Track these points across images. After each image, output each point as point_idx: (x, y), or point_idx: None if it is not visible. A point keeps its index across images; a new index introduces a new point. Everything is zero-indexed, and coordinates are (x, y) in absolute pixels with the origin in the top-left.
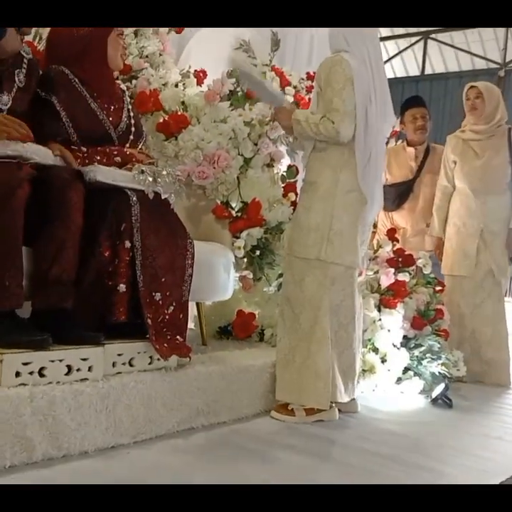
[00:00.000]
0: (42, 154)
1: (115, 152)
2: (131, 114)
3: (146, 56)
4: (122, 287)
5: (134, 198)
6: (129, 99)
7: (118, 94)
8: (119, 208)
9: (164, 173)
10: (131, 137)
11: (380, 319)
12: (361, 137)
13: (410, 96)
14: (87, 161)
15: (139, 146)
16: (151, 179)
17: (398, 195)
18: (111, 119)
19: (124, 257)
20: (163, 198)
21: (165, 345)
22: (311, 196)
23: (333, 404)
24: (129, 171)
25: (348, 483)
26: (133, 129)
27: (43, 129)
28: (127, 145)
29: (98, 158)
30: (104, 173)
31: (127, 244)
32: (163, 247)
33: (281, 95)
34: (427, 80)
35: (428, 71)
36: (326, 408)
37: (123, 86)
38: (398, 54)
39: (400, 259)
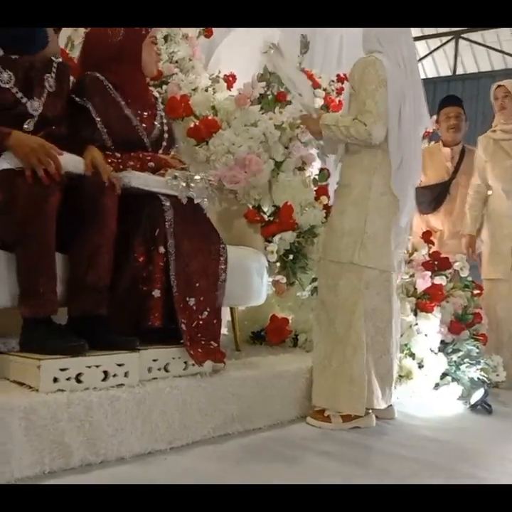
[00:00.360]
0: (75, 164)
1: (149, 157)
2: (164, 120)
3: (176, 61)
4: (157, 292)
5: (168, 204)
6: (162, 106)
7: (151, 101)
8: (153, 213)
9: (197, 178)
10: (164, 143)
11: (416, 324)
12: (395, 139)
13: (445, 96)
14: (121, 167)
15: (172, 152)
16: (184, 184)
17: (435, 197)
18: (144, 125)
19: (158, 262)
20: (196, 203)
21: (199, 350)
22: (344, 200)
23: (370, 411)
24: (162, 177)
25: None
26: (166, 135)
27: (79, 135)
28: (160, 151)
29: (132, 163)
30: (137, 179)
31: (161, 249)
32: (197, 252)
33: (309, 106)
34: (459, 80)
35: (460, 71)
36: (360, 414)
37: (156, 93)
38: (429, 54)
39: (436, 263)
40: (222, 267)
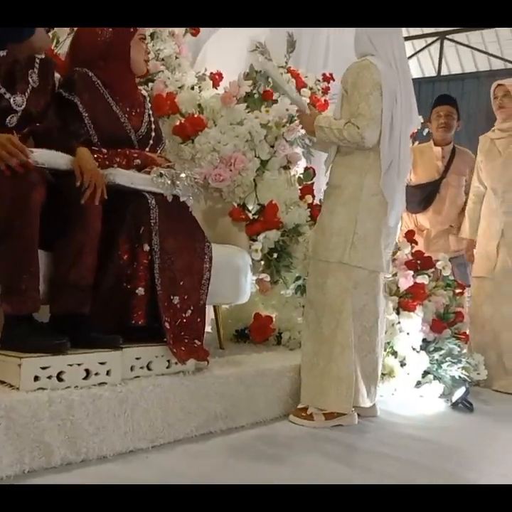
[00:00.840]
0: (55, 160)
1: (135, 155)
2: (152, 119)
3: (162, 59)
4: (141, 290)
5: (153, 201)
6: (150, 105)
7: (139, 100)
8: (138, 211)
9: (182, 176)
10: (151, 142)
11: (399, 322)
12: (386, 141)
13: (430, 96)
14: (107, 163)
15: (159, 151)
16: (169, 182)
17: (425, 197)
18: (132, 123)
19: (142, 260)
20: (181, 200)
21: (182, 348)
22: (334, 200)
23: (353, 409)
24: (148, 174)
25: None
26: (153, 133)
27: (68, 129)
28: (147, 149)
29: (118, 159)
30: (122, 177)
31: (146, 247)
32: (182, 250)
33: (302, 102)
34: (444, 80)
35: (444, 72)
36: (348, 412)
37: (144, 92)
38: (414, 55)
39: (419, 262)
40: (207, 265)
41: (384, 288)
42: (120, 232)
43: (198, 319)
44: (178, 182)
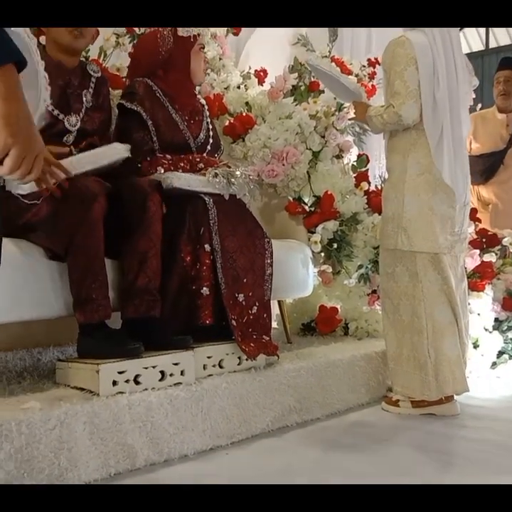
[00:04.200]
0: (95, 159)
1: (198, 159)
2: (210, 126)
3: (207, 61)
4: (206, 290)
5: (211, 202)
6: (208, 113)
7: (198, 108)
8: (197, 212)
9: (237, 173)
10: (209, 148)
11: (468, 304)
12: (429, 114)
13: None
14: (171, 168)
15: (217, 157)
16: (225, 181)
17: (487, 167)
18: (191, 130)
19: (205, 260)
20: (238, 198)
21: (252, 345)
22: (387, 186)
23: (455, 399)
24: (203, 176)
25: (453, 473)
26: (211, 140)
27: (131, 138)
28: (204, 155)
29: (182, 165)
30: (180, 180)
31: (207, 247)
32: (242, 248)
33: (358, 89)
34: (492, 53)
35: (493, 45)
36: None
37: (203, 100)
38: (460, 30)
39: (484, 240)
40: (268, 261)
41: (462, 270)
42: (181, 235)
43: (265, 315)
44: (233, 180)
